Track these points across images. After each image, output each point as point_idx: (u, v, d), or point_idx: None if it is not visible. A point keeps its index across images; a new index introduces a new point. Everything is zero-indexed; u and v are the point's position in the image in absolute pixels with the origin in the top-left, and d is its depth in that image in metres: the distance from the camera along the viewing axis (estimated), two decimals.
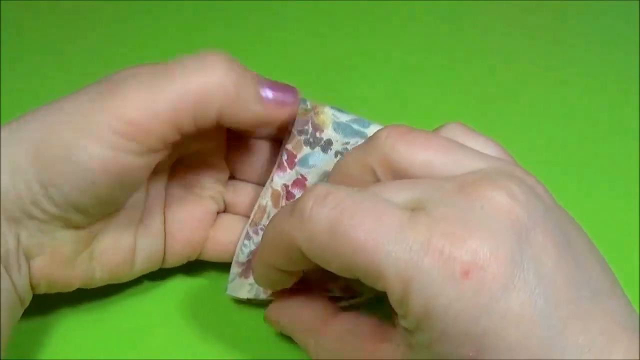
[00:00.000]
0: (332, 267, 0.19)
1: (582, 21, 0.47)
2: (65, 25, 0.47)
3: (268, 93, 0.24)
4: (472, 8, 0.48)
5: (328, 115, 0.26)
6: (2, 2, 0.48)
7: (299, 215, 0.19)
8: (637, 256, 0.30)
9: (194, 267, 0.29)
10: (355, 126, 0.26)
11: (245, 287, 0.26)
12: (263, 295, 0.26)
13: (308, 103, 0.26)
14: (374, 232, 0.18)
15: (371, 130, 0.26)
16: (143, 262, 0.26)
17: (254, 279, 0.25)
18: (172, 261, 0.27)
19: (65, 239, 0.24)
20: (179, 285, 0.28)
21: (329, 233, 0.18)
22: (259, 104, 0.24)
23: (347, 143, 0.26)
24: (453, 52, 0.43)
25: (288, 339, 0.26)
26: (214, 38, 0.45)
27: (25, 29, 0.47)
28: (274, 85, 0.25)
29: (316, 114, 0.26)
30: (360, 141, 0.25)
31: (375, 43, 0.44)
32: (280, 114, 0.25)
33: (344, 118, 0.26)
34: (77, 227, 0.24)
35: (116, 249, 0.25)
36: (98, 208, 0.24)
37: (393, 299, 0.18)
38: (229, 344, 0.27)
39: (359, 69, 0.42)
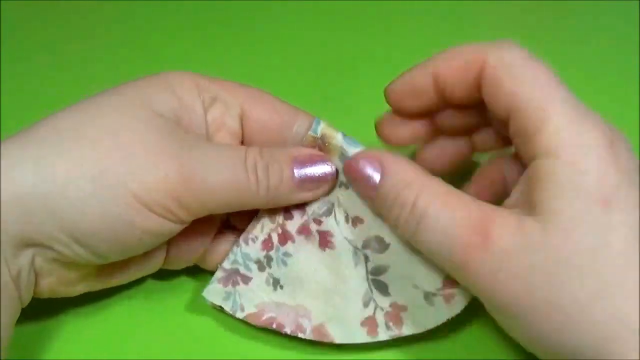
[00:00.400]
0: (501, 91, 0.22)
1: (582, 21, 0.47)
2: (66, 25, 0.47)
3: (303, 177, 0.25)
4: (472, 8, 0.48)
5: (336, 147, 0.25)
6: (2, 2, 0.48)
7: (497, 43, 0.23)
8: None
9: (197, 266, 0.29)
10: None
11: (220, 294, 0.26)
12: (239, 313, 0.26)
13: (320, 128, 0.25)
14: (558, 81, 0.22)
15: None
16: (145, 269, 0.27)
17: (397, 79, 0.26)
18: (170, 266, 0.28)
19: (76, 268, 0.24)
20: (183, 284, 0.29)
21: (524, 61, 0.22)
22: (298, 194, 0.25)
23: None
24: None
25: (287, 339, 0.26)
26: (214, 38, 0.45)
27: (25, 29, 0.47)
28: (309, 164, 0.25)
29: (324, 144, 0.25)
30: None
31: (375, 43, 0.44)
32: (318, 194, 0.26)
33: (352, 150, 0.25)
34: (89, 264, 0.24)
35: (122, 266, 0.26)
36: (122, 257, 0.24)
37: (540, 129, 0.21)
38: (230, 345, 0.27)
39: (359, 69, 0.42)
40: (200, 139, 0.25)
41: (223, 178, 0.23)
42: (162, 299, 0.28)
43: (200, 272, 0.29)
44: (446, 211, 0.22)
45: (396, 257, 0.25)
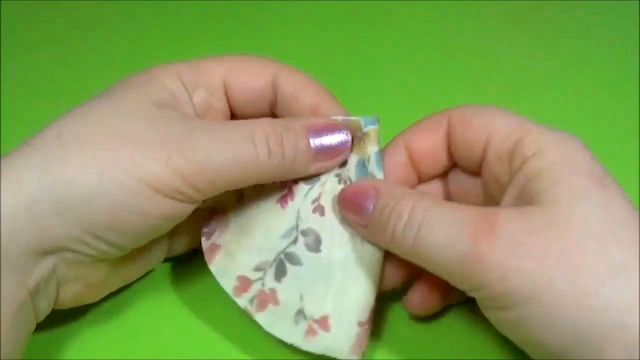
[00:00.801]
0: (471, 126, 0.24)
1: (582, 21, 0.47)
2: (66, 21, 0.47)
3: (319, 146, 0.24)
4: (472, 8, 0.48)
5: (365, 152, 0.25)
6: (2, 1, 0.49)
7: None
8: None
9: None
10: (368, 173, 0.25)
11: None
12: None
13: (372, 127, 0.25)
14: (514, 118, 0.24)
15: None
16: (154, 259, 0.27)
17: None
18: (172, 253, 0.28)
19: (99, 266, 0.24)
20: (186, 283, 0.29)
21: (483, 105, 0.25)
22: (314, 164, 0.25)
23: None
24: (453, 52, 0.43)
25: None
26: (214, 38, 0.45)
27: (25, 29, 0.47)
28: (325, 131, 0.25)
29: (360, 140, 0.25)
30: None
31: (375, 43, 0.44)
32: (333, 164, 0.25)
33: (372, 169, 0.25)
34: (111, 258, 0.24)
35: (139, 264, 0.26)
36: (141, 243, 0.24)
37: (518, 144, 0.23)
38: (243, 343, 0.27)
39: (359, 69, 0.42)
40: (202, 121, 0.25)
41: (227, 155, 0.23)
42: (169, 300, 0.28)
43: (197, 269, 0.29)
44: (447, 212, 0.22)
45: (314, 265, 0.25)
